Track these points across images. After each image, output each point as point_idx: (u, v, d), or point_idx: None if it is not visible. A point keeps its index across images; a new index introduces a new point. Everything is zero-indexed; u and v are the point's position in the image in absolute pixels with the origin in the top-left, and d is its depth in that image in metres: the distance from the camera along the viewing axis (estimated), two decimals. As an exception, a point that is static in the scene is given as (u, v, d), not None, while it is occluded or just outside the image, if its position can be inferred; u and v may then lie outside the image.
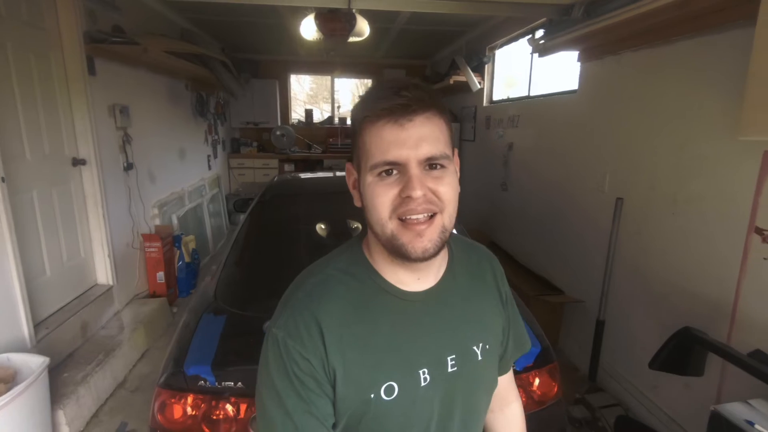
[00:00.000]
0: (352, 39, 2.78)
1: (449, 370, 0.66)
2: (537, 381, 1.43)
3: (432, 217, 0.58)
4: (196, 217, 4.52)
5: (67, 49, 2.56)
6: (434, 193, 0.58)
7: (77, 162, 2.68)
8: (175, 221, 3.87)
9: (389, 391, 0.62)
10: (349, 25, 2.54)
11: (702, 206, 1.88)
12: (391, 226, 0.58)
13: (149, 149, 3.54)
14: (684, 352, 1.67)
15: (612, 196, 2.34)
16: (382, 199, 0.58)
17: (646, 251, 2.21)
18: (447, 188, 0.59)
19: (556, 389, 1.46)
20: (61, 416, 2.04)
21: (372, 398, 0.61)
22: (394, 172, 0.58)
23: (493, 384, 0.76)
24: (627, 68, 2.33)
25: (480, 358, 0.70)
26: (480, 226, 4.40)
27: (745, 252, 1.68)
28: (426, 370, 0.64)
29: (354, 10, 2.32)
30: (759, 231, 1.62)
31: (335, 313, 0.61)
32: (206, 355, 1.30)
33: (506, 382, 0.84)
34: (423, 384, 0.64)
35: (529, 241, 3.50)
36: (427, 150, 0.57)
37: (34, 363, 1.86)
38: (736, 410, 1.20)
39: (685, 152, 1.96)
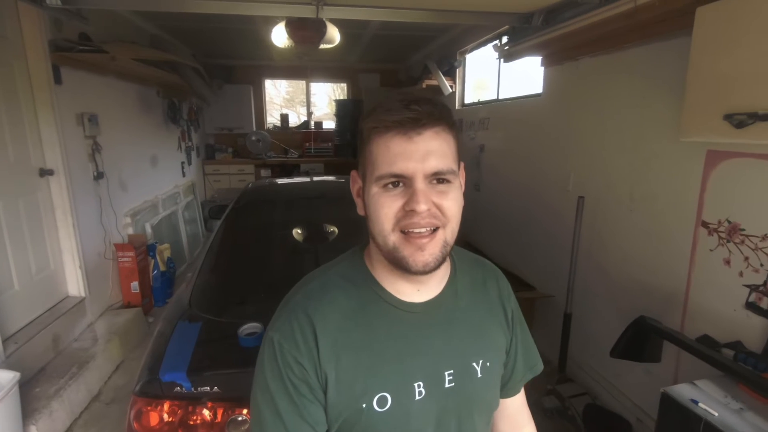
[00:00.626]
0: (323, 46, 2.82)
1: (446, 385, 0.65)
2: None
3: (434, 231, 0.58)
4: (171, 225, 4.47)
5: (32, 58, 2.52)
6: (438, 207, 0.58)
7: (44, 172, 2.63)
8: (148, 230, 3.82)
9: (382, 402, 0.61)
10: (320, 33, 2.59)
11: (655, 203, 2.00)
12: (393, 238, 0.58)
13: (120, 157, 3.49)
14: (641, 340, 1.78)
15: (575, 195, 2.45)
16: (386, 210, 0.58)
17: (605, 246, 2.33)
18: (451, 203, 0.59)
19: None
20: (34, 431, 2.01)
21: (364, 408, 0.60)
22: (400, 184, 0.58)
23: (494, 404, 0.73)
24: (585, 73, 2.45)
25: (480, 375, 0.68)
26: (455, 227, 4.50)
27: (694, 245, 1.80)
28: (421, 383, 0.63)
29: (324, 19, 2.36)
30: (705, 225, 1.75)
31: (331, 317, 0.61)
32: (182, 361, 1.32)
33: (518, 405, 0.80)
34: (418, 398, 0.63)
35: (501, 240, 3.61)
36: (434, 164, 0.56)
37: (4, 378, 1.83)
38: (683, 391, 1.30)
39: (638, 153, 2.08)
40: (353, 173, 0.68)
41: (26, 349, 2.30)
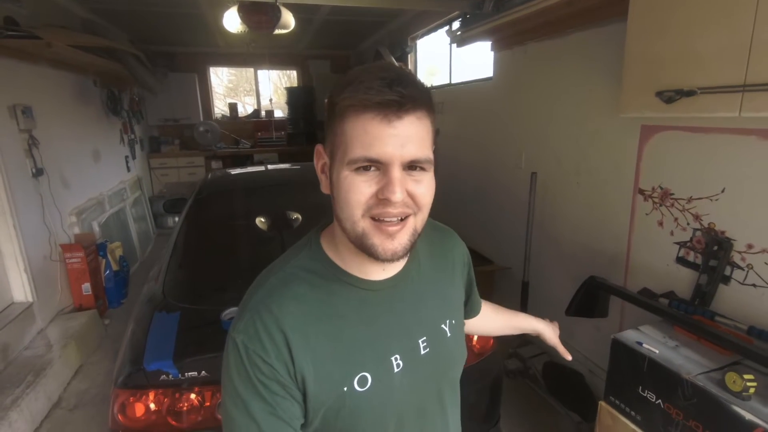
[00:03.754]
0: (277, 31, 2.78)
1: (422, 352, 0.66)
2: (475, 336, 1.63)
3: (405, 219, 0.56)
4: (120, 223, 4.24)
5: (-48, 45, 2.29)
6: (412, 195, 0.55)
7: (-23, 170, 2.42)
8: (96, 228, 3.61)
9: (362, 382, 0.60)
10: (275, 18, 2.55)
11: (598, 175, 2.20)
12: (362, 224, 0.55)
13: (60, 152, 3.26)
14: (592, 298, 1.98)
15: (528, 172, 2.63)
16: (357, 196, 0.54)
17: (556, 217, 2.53)
18: (425, 191, 0.57)
19: (491, 342, 1.68)
20: (-7, 444, 1.90)
21: (345, 391, 0.59)
22: (373, 168, 0.54)
23: (464, 355, 0.75)
24: (533, 57, 2.62)
25: (449, 334, 0.70)
26: (414, 210, 4.64)
27: (633, 210, 2.02)
28: (398, 356, 0.64)
29: (278, 3, 2.34)
30: (641, 192, 1.96)
31: (298, 312, 0.58)
32: (166, 349, 1.32)
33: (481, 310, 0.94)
34: (396, 370, 0.63)
35: (459, 219, 3.78)
36: (412, 151, 0.53)
37: (-43, 390, 1.71)
38: (630, 336, 1.49)
39: (583, 130, 2.27)
40: (318, 148, 0.62)
41: (-27, 360, 2.14)
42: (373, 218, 0.55)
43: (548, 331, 1.03)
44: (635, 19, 1.60)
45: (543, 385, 2.35)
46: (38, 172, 2.90)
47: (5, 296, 2.63)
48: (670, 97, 1.45)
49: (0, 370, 2.31)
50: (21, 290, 2.69)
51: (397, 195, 0.53)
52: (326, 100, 0.60)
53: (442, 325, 0.70)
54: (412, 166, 0.54)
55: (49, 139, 3.08)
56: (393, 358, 0.63)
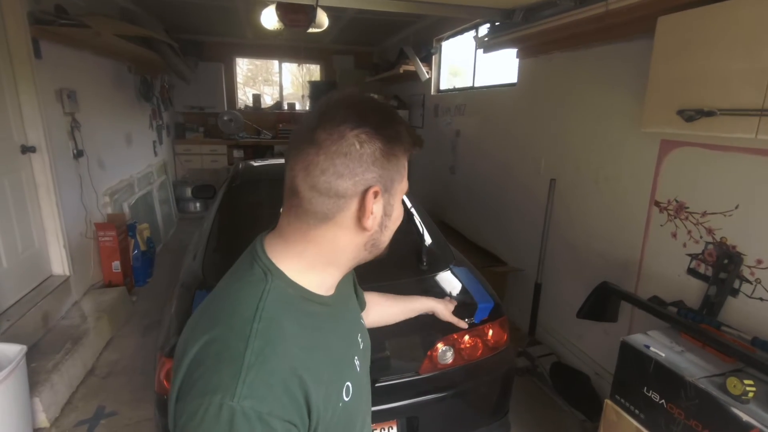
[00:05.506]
0: (311, 30, 2.89)
1: (361, 347, 0.74)
2: (491, 332, 1.74)
3: None
4: (147, 205, 4.42)
5: (11, 31, 2.44)
6: None
7: (26, 149, 2.59)
8: (126, 209, 3.78)
9: (347, 391, 0.64)
10: (311, 17, 2.66)
11: (616, 185, 2.28)
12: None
13: (97, 135, 3.43)
14: (602, 302, 2.07)
15: (547, 178, 2.71)
16: (400, 219, 0.67)
17: (572, 223, 2.61)
18: None
19: (505, 337, 1.78)
20: (38, 403, 2.06)
21: (340, 406, 0.61)
22: None
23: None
24: (557, 66, 2.69)
25: (362, 321, 0.82)
26: (431, 208, 4.72)
27: (648, 220, 2.10)
28: (356, 356, 0.70)
29: (316, 5, 2.44)
30: (657, 204, 2.04)
31: (300, 349, 0.56)
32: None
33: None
34: (359, 371, 0.69)
35: (475, 219, 3.87)
36: None
37: (11, 351, 1.87)
38: (638, 339, 1.58)
39: (602, 140, 2.35)
40: (376, 188, 0.59)
41: (18, 326, 2.31)
42: None
43: (441, 308, 1.12)
44: (661, 39, 1.67)
45: (550, 383, 2.45)
46: (79, 154, 3.07)
47: (46, 268, 2.80)
48: (690, 116, 1.53)
49: (41, 337, 2.48)
50: (60, 264, 2.86)
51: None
52: (364, 137, 0.57)
53: (361, 320, 0.81)
54: None
55: (89, 122, 3.24)
56: (355, 360, 0.69)
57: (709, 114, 1.46)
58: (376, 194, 0.59)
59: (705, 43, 1.49)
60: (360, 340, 0.74)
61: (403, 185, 0.64)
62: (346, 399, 0.62)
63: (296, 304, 0.60)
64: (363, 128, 0.56)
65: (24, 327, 2.36)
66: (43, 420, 2.10)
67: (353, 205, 0.59)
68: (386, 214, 0.62)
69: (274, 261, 0.61)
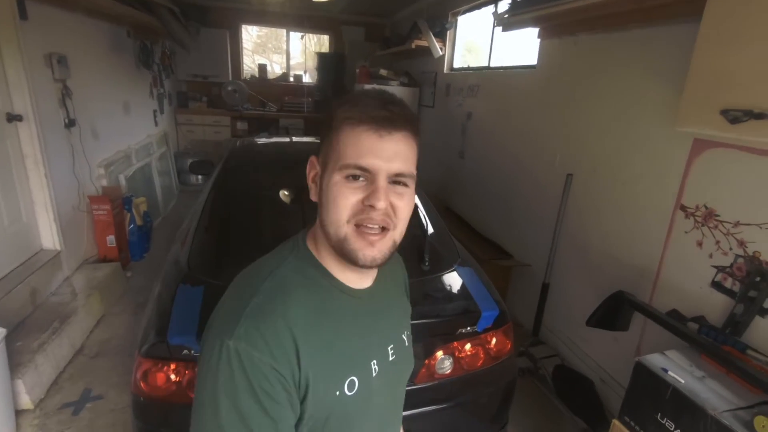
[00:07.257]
0: (318, -2, 2.67)
1: (390, 359, 0.72)
2: (494, 340, 1.62)
3: (384, 230, 0.61)
4: (145, 177, 4.29)
5: (-7, -12, 2.26)
6: (393, 207, 0.60)
7: (12, 117, 2.44)
8: (122, 181, 3.66)
9: (351, 386, 0.63)
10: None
11: (638, 185, 2.10)
12: (346, 229, 0.60)
13: (91, 103, 3.27)
14: (614, 311, 1.94)
15: (562, 171, 2.53)
16: (344, 201, 0.59)
17: (585, 222, 2.45)
18: (405, 206, 0.61)
19: (509, 346, 1.66)
20: (20, 385, 2.00)
21: (338, 396, 0.62)
22: (361, 178, 0.59)
23: (413, 363, 0.82)
24: (582, 49, 2.47)
25: (406, 344, 0.78)
26: (437, 192, 4.56)
27: (671, 226, 1.93)
28: (375, 361, 0.68)
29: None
30: (683, 208, 1.87)
31: (302, 317, 0.59)
32: (189, 325, 1.34)
33: None
34: (374, 375, 0.68)
35: (483, 208, 3.71)
36: (398, 165, 0.59)
37: (-11, 334, 1.79)
38: (655, 361, 1.45)
39: (627, 134, 2.16)
40: (312, 159, 0.67)
41: (4, 303, 2.23)
42: (356, 225, 0.60)
43: None
44: (709, 25, 1.47)
45: (552, 387, 2.35)
46: (70, 123, 2.93)
47: (35, 243, 2.71)
48: (736, 117, 1.35)
49: (28, 314, 2.41)
50: (50, 238, 2.76)
51: (382, 202, 0.58)
52: (324, 116, 0.64)
53: (403, 335, 0.78)
54: (396, 180, 0.60)
55: (82, 90, 3.08)
56: (372, 363, 0.68)
57: (760, 116, 1.28)
58: (312, 163, 0.66)
59: (763, 34, 1.29)
60: (390, 352, 0.72)
61: (343, 163, 0.59)
62: (348, 393, 0.63)
63: (315, 280, 0.64)
64: (338, 103, 0.62)
65: (10, 304, 2.28)
66: (26, 402, 2.04)
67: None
68: (322, 191, 0.63)
69: (308, 243, 0.67)
